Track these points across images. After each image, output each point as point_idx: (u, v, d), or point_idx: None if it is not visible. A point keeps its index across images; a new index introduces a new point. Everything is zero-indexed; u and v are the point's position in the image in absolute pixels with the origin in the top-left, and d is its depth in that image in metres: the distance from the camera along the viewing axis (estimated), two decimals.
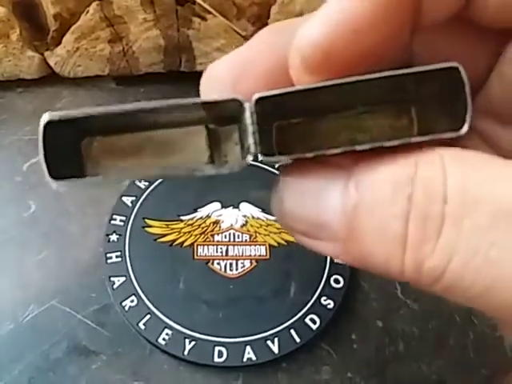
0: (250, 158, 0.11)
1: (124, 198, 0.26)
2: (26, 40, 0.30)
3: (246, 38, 0.33)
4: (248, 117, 0.11)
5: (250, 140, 0.11)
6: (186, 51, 0.32)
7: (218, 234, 0.25)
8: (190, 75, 0.33)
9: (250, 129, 0.11)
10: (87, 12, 0.29)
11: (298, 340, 0.22)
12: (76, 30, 0.30)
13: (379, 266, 0.10)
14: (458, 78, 0.10)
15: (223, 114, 0.11)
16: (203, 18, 0.31)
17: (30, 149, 0.28)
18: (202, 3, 0.31)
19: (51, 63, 0.31)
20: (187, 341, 0.22)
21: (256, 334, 0.22)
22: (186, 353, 0.22)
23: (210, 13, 0.31)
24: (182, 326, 0.22)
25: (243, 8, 0.32)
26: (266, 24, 0.32)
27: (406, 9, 0.10)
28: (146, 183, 0.27)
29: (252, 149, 0.11)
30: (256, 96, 0.10)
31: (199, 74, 0.32)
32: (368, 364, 0.23)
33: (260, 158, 0.11)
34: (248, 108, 0.10)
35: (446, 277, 0.09)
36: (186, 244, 0.25)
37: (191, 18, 0.31)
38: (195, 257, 0.25)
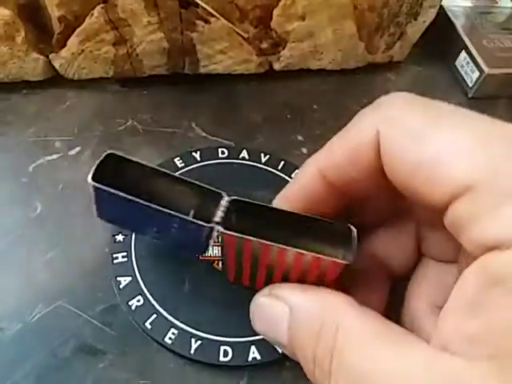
0: (212, 223, 0.19)
1: None
2: (31, 42, 0.30)
3: (249, 41, 0.33)
4: (224, 201, 0.19)
5: (218, 214, 0.19)
6: (190, 54, 0.32)
7: None
8: (193, 77, 0.33)
9: (222, 209, 0.19)
10: (92, 15, 0.30)
11: None
12: (81, 33, 0.30)
13: (306, 371, 0.16)
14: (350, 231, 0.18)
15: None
16: (206, 21, 0.32)
17: (36, 150, 0.29)
18: (205, 6, 0.31)
19: (56, 65, 0.31)
20: (193, 340, 0.22)
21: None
22: (192, 352, 0.22)
23: (213, 16, 0.31)
24: (188, 325, 0.23)
25: (246, 11, 0.32)
26: (269, 26, 0.33)
27: (320, 196, 0.18)
28: None
29: (216, 218, 0.19)
30: (234, 197, 0.19)
31: (202, 77, 0.33)
32: None
33: (217, 226, 0.19)
34: (226, 197, 0.19)
35: None
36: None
37: (195, 21, 0.31)
38: (200, 257, 0.25)
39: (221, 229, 0.19)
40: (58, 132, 0.30)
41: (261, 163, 0.29)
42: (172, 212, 0.19)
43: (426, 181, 0.13)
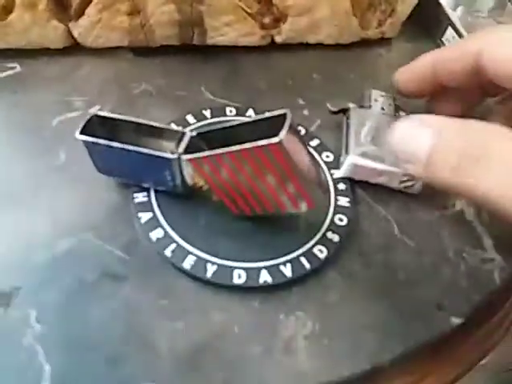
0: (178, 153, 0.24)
1: None
2: (52, 11, 0.33)
3: (252, 15, 0.36)
4: (186, 136, 0.24)
5: (181, 147, 0.24)
6: (198, 25, 0.35)
7: None
8: (202, 48, 0.36)
9: (184, 143, 0.24)
10: None
11: (307, 266, 0.25)
12: (98, 3, 0.33)
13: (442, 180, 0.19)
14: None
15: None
16: None
17: (58, 108, 0.31)
18: None
19: (75, 34, 0.34)
20: (209, 265, 0.24)
21: (270, 260, 0.25)
22: (208, 275, 0.24)
23: None
24: (204, 252, 0.25)
25: None
26: (271, 2, 0.35)
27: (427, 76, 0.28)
28: None
29: (179, 150, 0.24)
30: (196, 131, 0.24)
31: (210, 47, 0.37)
32: (370, 290, 0.25)
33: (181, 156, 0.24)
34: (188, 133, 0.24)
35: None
36: (205, 187, 0.27)
37: None
38: (214, 198, 0.27)
39: (183, 156, 0.23)
40: (78, 93, 0.32)
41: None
42: (142, 150, 0.23)
43: None
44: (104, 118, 0.25)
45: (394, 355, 0.23)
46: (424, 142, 0.19)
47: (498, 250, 0.28)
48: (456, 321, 0.25)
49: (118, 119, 0.25)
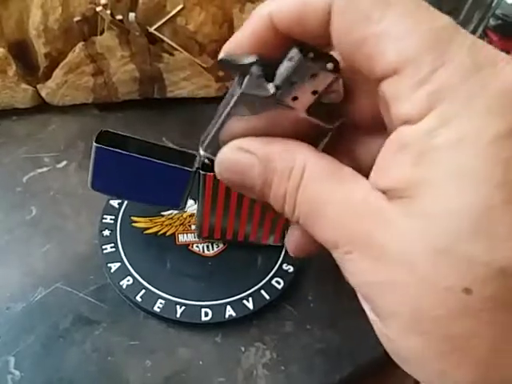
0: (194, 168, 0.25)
1: (111, 202, 0.31)
2: (21, 75, 0.35)
3: (208, 70, 0.39)
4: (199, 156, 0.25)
5: (195, 165, 0.26)
6: (158, 81, 0.38)
7: (194, 224, 0.30)
8: (161, 101, 0.39)
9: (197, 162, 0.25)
10: (74, 51, 0.35)
11: (267, 298, 0.27)
12: (64, 66, 0.35)
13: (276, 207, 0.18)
14: None
15: None
16: (171, 54, 0.38)
17: (28, 165, 0.33)
18: (170, 42, 0.37)
19: (43, 94, 0.36)
20: (178, 306, 0.26)
21: (234, 296, 0.27)
22: (178, 316, 0.26)
23: (176, 50, 0.37)
24: (172, 295, 0.27)
25: (204, 45, 0.38)
26: None
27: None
28: None
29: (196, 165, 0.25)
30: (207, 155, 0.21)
31: (170, 100, 0.41)
32: (321, 318, 0.28)
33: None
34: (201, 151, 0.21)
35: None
36: (168, 233, 0.30)
37: (161, 54, 0.37)
38: (177, 242, 0.30)
39: (201, 172, 0.25)
40: (46, 150, 0.34)
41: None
42: (164, 162, 0.24)
43: (366, 57, 0.15)
44: (113, 134, 0.24)
45: (344, 375, 0.25)
46: (250, 173, 0.18)
47: None
48: None
49: (128, 136, 0.24)
